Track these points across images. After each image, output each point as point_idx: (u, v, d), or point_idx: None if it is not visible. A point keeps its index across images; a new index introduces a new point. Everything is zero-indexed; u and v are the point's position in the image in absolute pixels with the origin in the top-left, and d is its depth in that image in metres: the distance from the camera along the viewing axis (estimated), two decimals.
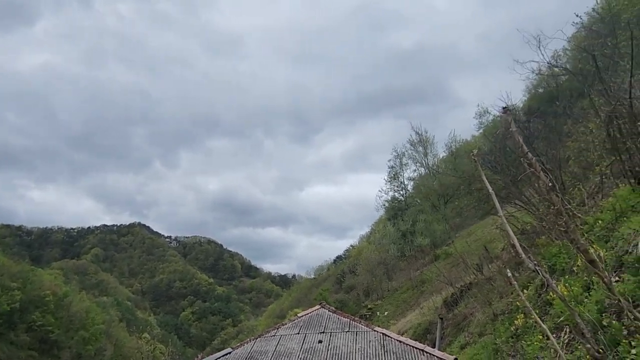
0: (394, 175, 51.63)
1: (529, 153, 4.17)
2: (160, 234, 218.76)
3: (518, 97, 43.27)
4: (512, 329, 11.15)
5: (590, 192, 15.26)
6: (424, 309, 23.77)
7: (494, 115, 42.52)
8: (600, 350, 4.84)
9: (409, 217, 44.65)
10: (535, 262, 3.99)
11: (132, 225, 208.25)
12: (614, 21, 23.02)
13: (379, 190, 53.86)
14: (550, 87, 41.77)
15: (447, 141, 51.72)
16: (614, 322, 5.78)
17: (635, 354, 4.90)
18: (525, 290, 12.34)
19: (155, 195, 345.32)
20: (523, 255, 3.93)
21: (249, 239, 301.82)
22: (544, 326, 4.80)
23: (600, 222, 10.24)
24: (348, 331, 14.42)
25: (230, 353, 13.44)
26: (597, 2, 31.87)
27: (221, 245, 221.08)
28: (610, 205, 10.57)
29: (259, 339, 14.60)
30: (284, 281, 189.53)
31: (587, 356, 5.88)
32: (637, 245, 6.78)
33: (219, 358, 13.30)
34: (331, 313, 16.08)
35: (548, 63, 18.47)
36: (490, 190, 4.59)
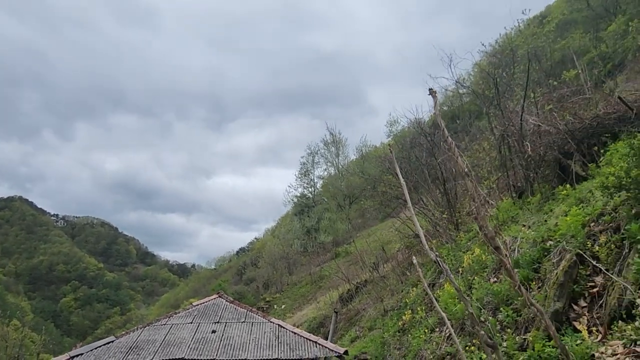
0: (305, 172, 52.39)
1: (449, 137, 4.39)
2: (45, 211, 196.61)
3: (425, 111, 46.37)
4: (399, 324, 11.81)
5: (475, 208, 16.77)
6: (320, 303, 24.34)
7: (402, 126, 44.99)
8: (492, 337, 5.29)
9: (315, 214, 45.54)
10: (437, 254, 4.21)
11: (11, 199, 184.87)
12: (513, 54, 25.69)
13: (289, 186, 54.35)
14: (453, 107, 45.56)
15: (358, 145, 53.82)
16: (490, 317, 6.37)
17: (506, 347, 5.47)
18: (414, 288, 13.19)
19: (43, 168, 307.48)
20: (427, 247, 4.10)
21: (148, 224, 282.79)
22: (468, 299, 5.09)
23: None
24: (244, 322, 14.22)
25: (113, 342, 12.51)
26: (500, 35, 35.45)
27: (116, 229, 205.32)
28: (494, 215, 11.68)
29: (147, 327, 13.79)
30: (183, 270, 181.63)
31: (472, 346, 6.46)
32: (515, 250, 7.59)
33: (100, 347, 12.32)
34: (228, 303, 15.74)
35: (456, 81, 19.95)
36: (403, 182, 4.77)
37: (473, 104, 36.89)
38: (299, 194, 51.88)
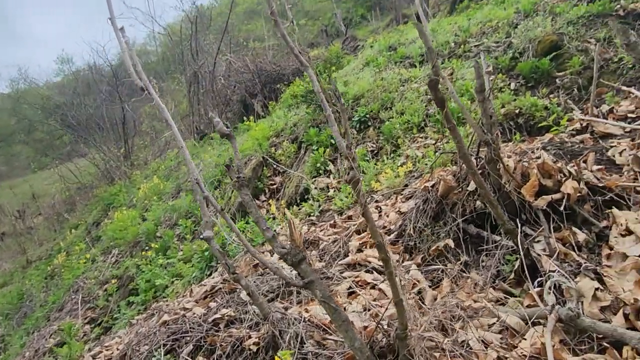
0: None
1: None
2: None
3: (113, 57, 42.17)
4: (49, 269, 10.03)
5: (158, 150, 16.26)
6: None
7: (78, 66, 39.20)
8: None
9: None
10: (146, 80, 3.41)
11: None
12: (210, 20, 26.69)
13: None
14: (157, 54, 43.30)
15: (12, 77, 43.12)
16: (168, 231, 6.11)
17: (182, 253, 5.40)
18: (74, 230, 11.53)
19: None
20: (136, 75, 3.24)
21: None
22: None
23: (163, 167, 11.12)
24: None
25: None
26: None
27: None
28: (174, 155, 11.65)
29: None
30: None
31: (133, 266, 5.92)
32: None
33: None
34: None
35: (151, 16, 18.82)
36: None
37: (172, 53, 36.29)
38: None
